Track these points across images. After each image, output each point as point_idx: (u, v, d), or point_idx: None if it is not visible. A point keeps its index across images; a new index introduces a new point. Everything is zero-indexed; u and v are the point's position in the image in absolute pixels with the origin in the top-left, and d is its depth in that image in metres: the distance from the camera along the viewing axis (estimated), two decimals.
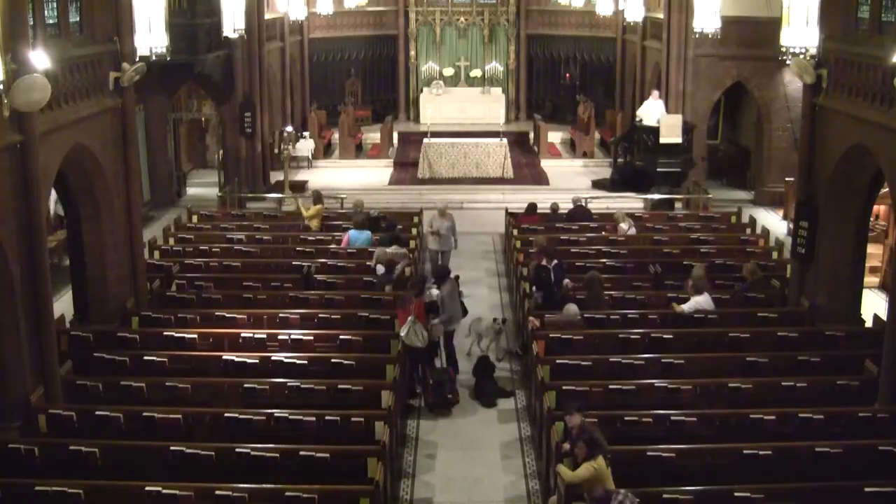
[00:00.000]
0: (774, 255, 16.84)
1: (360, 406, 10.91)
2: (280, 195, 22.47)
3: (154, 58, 13.98)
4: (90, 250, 13.52)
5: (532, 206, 19.12)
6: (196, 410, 10.71)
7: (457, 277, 14.24)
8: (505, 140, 25.69)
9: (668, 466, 9.63)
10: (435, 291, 13.28)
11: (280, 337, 12.61)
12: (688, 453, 9.81)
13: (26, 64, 10.04)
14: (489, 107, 30.15)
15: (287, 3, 26.28)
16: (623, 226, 17.87)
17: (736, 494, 8.93)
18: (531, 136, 29.33)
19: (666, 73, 22.75)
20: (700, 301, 13.55)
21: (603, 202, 21.69)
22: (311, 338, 12.63)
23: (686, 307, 13.50)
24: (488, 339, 13.98)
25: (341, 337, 12.66)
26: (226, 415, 10.55)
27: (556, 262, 14.33)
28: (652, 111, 22.36)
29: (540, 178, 25.15)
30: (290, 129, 23.75)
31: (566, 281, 14.24)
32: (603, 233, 18.13)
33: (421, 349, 12.45)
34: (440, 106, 29.58)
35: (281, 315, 13.43)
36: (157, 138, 22.69)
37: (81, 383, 11.45)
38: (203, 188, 24.85)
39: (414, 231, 18.26)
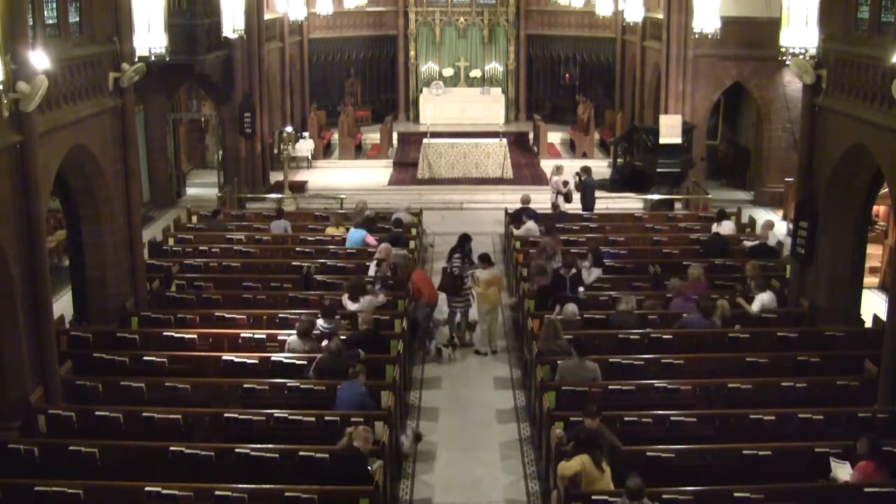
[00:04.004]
0: None
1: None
2: (280, 195, 22.46)
3: (153, 58, 14.00)
4: (90, 251, 13.51)
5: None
6: (196, 411, 10.71)
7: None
8: (504, 140, 25.72)
9: (668, 466, 9.64)
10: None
11: (280, 337, 12.59)
12: (688, 453, 9.81)
13: (26, 64, 10.04)
14: (489, 107, 30.13)
15: (287, 4, 26.28)
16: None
17: (736, 494, 8.93)
18: (531, 136, 29.34)
19: (665, 74, 22.75)
20: (766, 300, 13.57)
21: (603, 202, 21.71)
22: (312, 338, 12.60)
23: (754, 307, 13.56)
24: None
25: (341, 337, 12.62)
26: (225, 415, 10.55)
27: (574, 270, 14.31)
28: None
29: (539, 179, 25.14)
30: (289, 129, 23.73)
31: (580, 289, 14.26)
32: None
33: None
34: (440, 106, 29.59)
35: (280, 315, 13.42)
36: (156, 138, 22.70)
37: (81, 383, 11.44)
38: (203, 188, 24.84)
39: (413, 231, 18.26)
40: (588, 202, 20.36)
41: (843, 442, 9.84)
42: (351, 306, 13.57)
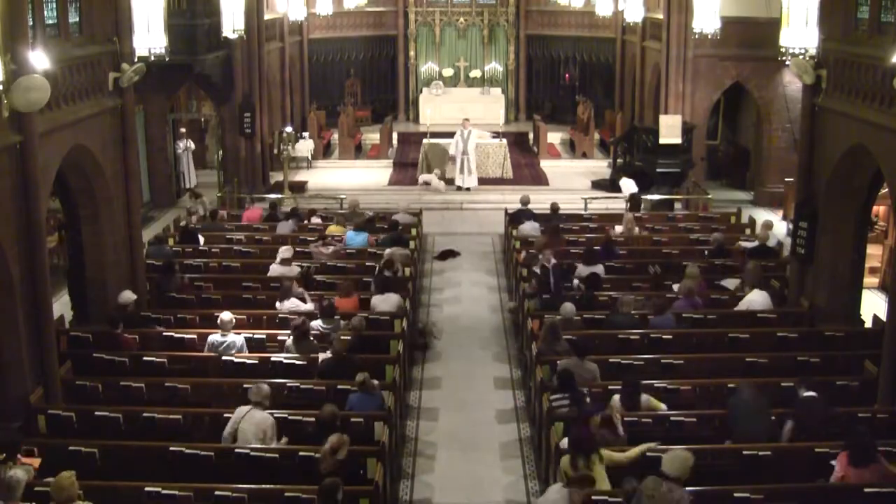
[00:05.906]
0: None
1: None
2: (279, 195, 22.46)
3: (153, 58, 13.97)
4: (89, 251, 13.50)
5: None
6: (196, 410, 10.70)
7: None
8: (504, 140, 25.72)
9: None
10: None
11: (280, 337, 12.58)
12: None
13: (26, 64, 10.04)
14: (489, 107, 30.10)
15: (286, 4, 26.27)
16: (618, 228, 17.99)
17: (736, 494, 8.92)
18: (531, 136, 29.35)
19: (665, 74, 22.76)
20: (756, 299, 13.54)
21: (602, 202, 21.72)
22: (311, 338, 12.60)
23: (741, 307, 13.57)
24: None
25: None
26: (226, 415, 10.51)
27: (554, 262, 14.35)
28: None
29: (539, 179, 25.17)
30: (289, 129, 23.75)
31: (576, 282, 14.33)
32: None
33: None
34: (439, 106, 29.57)
35: (280, 315, 13.42)
36: (156, 138, 22.70)
37: (81, 383, 11.43)
38: (203, 189, 24.78)
39: (413, 231, 18.25)
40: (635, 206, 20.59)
41: (843, 442, 9.83)
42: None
